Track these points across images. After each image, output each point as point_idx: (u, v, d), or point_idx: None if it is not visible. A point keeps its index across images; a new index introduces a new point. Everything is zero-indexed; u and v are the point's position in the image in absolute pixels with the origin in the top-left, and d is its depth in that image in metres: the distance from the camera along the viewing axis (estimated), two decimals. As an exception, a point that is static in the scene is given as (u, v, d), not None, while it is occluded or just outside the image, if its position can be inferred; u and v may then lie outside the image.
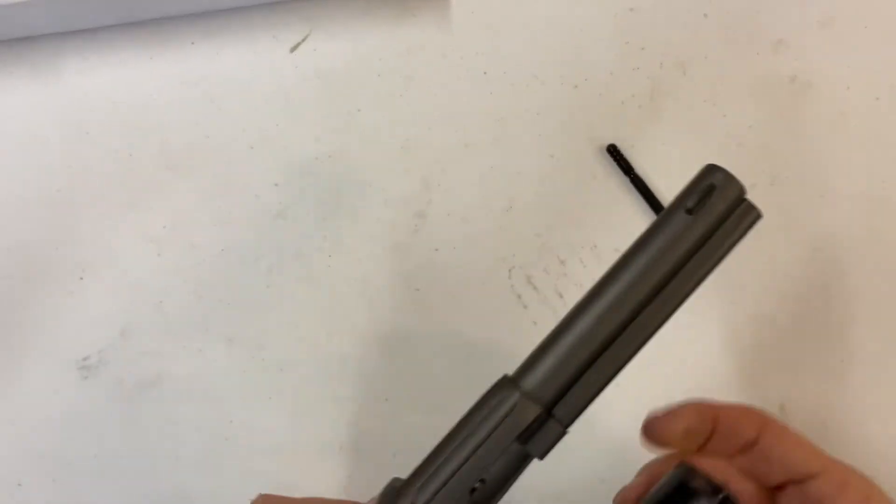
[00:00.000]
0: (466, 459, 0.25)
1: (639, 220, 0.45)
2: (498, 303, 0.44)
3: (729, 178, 0.25)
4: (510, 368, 0.44)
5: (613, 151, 0.45)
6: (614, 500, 0.30)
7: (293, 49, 0.47)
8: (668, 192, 0.45)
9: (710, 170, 0.26)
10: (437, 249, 0.45)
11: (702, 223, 0.25)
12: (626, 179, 0.46)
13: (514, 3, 0.48)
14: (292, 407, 0.43)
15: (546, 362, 0.25)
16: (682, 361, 0.45)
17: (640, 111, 0.47)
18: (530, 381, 0.25)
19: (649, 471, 0.30)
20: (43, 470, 0.42)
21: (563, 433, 0.25)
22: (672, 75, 0.47)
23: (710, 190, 0.25)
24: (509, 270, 0.45)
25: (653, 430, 0.28)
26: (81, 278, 0.44)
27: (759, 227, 0.45)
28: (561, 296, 0.45)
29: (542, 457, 0.25)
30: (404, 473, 0.43)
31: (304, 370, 0.43)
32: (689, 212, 0.25)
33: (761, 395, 0.44)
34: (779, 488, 0.29)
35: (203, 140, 0.45)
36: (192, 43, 0.46)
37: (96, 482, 0.42)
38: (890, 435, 0.44)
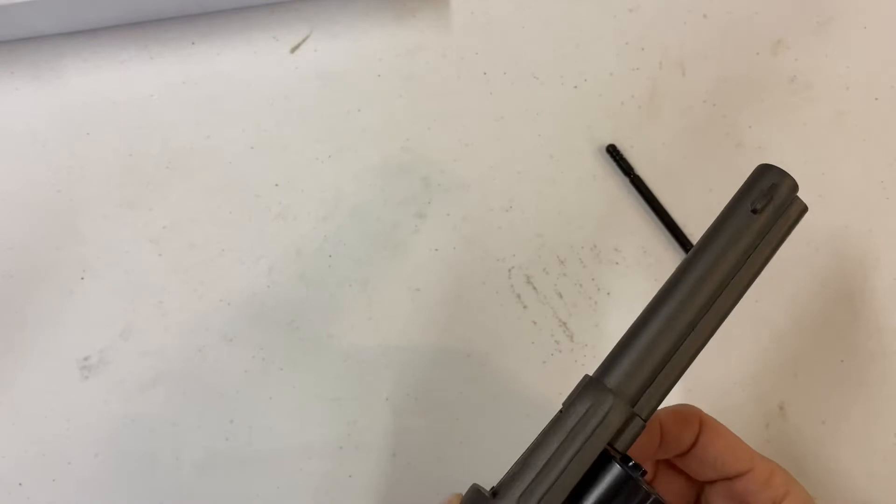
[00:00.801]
0: (567, 466, 0.25)
1: (638, 220, 0.45)
2: (498, 303, 0.44)
3: (785, 176, 0.27)
4: (510, 368, 0.44)
5: (613, 152, 0.46)
6: None
7: (293, 50, 0.47)
8: (667, 193, 0.45)
9: (767, 169, 0.27)
10: (436, 249, 0.45)
11: (764, 221, 0.27)
12: (625, 180, 0.46)
13: (514, 3, 0.48)
14: (293, 406, 0.43)
15: (628, 360, 0.26)
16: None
17: (640, 111, 0.47)
18: (614, 380, 0.26)
19: None
20: (43, 470, 0.42)
21: (643, 427, 0.26)
22: (672, 75, 0.47)
23: (773, 189, 0.27)
24: (509, 270, 0.45)
25: None
26: (82, 278, 0.44)
27: (759, 227, 0.46)
28: (560, 296, 0.45)
29: (625, 450, 0.26)
30: (405, 472, 0.43)
31: (305, 370, 0.43)
32: (755, 212, 0.27)
33: (761, 395, 0.44)
34: (708, 482, 0.31)
35: (203, 140, 0.45)
36: (193, 43, 0.46)
37: (97, 482, 0.42)
38: (889, 434, 0.44)
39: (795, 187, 0.27)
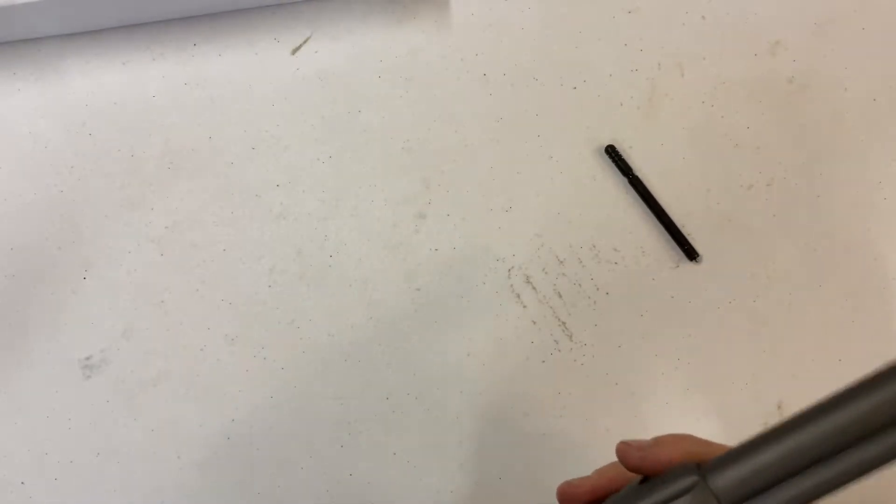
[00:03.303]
0: None
1: (637, 220, 0.46)
2: (497, 302, 0.45)
3: None
4: (510, 367, 0.44)
5: (612, 152, 0.46)
6: (558, 489, 0.29)
7: (294, 51, 0.47)
8: (666, 193, 0.46)
9: None
10: (436, 249, 0.45)
11: None
12: (624, 180, 0.46)
13: (514, 4, 0.48)
14: (293, 405, 0.43)
15: (735, 459, 0.25)
16: (679, 360, 0.45)
17: (639, 112, 0.47)
18: (717, 477, 0.25)
19: (601, 473, 0.30)
20: (45, 468, 0.42)
21: None
22: (670, 76, 0.47)
23: None
24: (509, 270, 0.45)
25: (641, 459, 0.27)
26: (84, 278, 0.44)
27: (758, 227, 0.46)
28: (560, 295, 0.45)
29: None
30: (405, 471, 0.43)
31: (305, 369, 0.43)
32: None
33: (759, 394, 0.44)
34: None
35: (205, 141, 0.46)
36: (195, 44, 0.47)
37: (98, 481, 0.42)
38: (888, 434, 0.44)
39: None
